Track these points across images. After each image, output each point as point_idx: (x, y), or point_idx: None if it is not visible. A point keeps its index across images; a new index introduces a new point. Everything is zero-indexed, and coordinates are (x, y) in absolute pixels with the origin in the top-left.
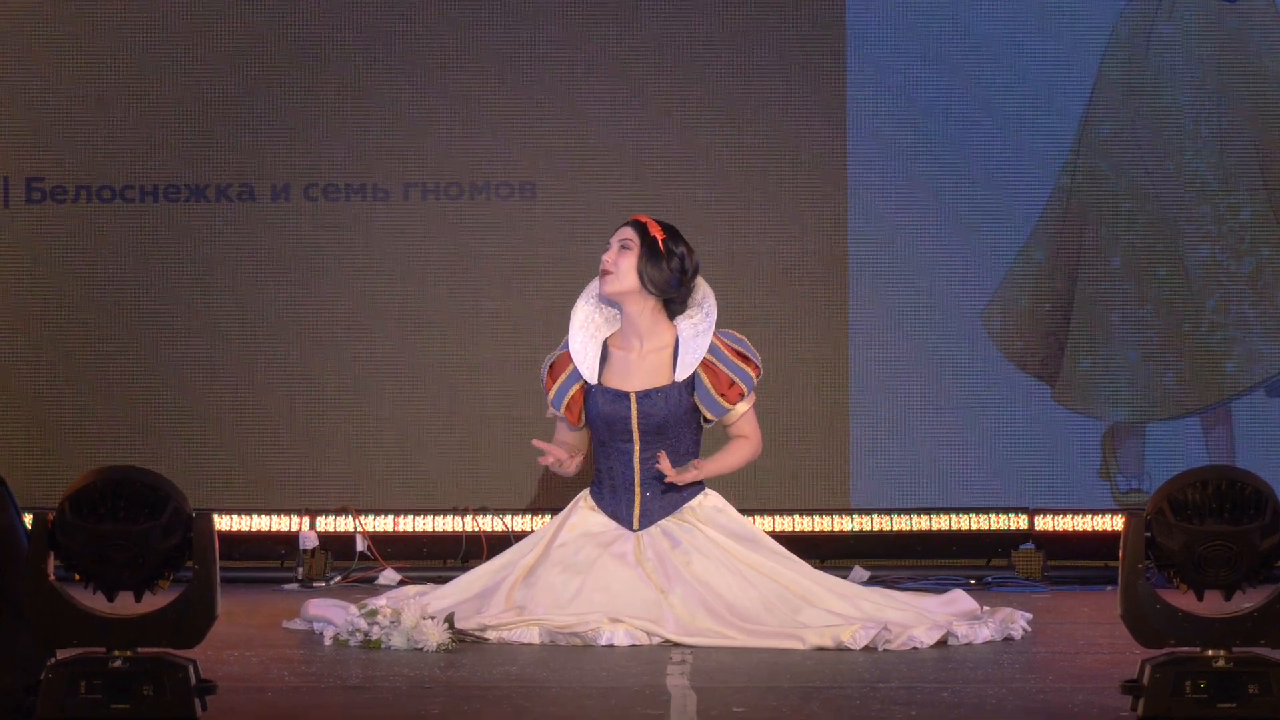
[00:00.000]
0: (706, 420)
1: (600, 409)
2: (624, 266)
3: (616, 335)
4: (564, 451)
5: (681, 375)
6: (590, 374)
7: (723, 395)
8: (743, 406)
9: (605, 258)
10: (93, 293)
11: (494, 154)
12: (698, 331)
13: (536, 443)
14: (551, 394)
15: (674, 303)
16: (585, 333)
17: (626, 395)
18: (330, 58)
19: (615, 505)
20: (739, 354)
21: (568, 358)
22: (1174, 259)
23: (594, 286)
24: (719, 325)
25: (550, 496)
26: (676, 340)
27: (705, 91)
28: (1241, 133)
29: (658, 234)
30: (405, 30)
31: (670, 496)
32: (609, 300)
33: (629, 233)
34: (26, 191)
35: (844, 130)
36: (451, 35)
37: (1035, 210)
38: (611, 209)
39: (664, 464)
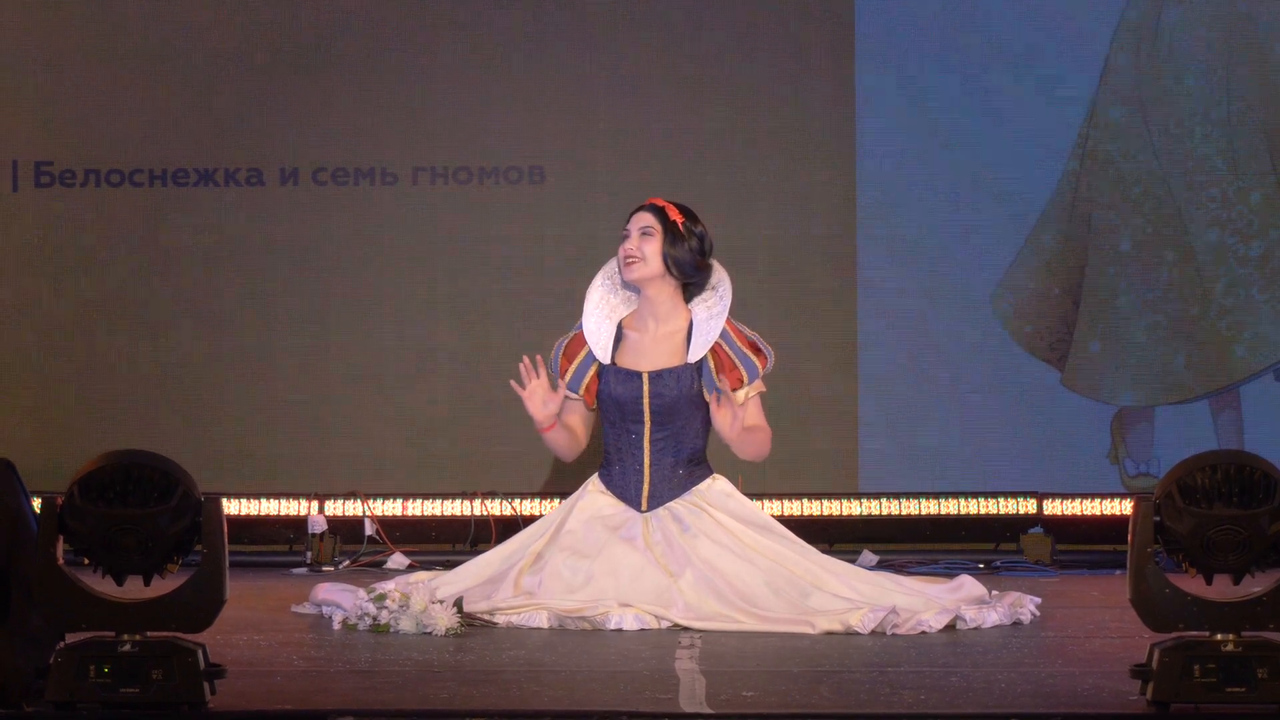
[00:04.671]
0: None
1: (612, 389)
2: (648, 253)
3: (632, 317)
4: (548, 384)
5: (694, 357)
6: (604, 354)
7: (722, 381)
8: (742, 394)
9: (627, 245)
10: (101, 277)
11: (502, 138)
12: (712, 314)
13: (526, 360)
14: (568, 376)
15: (693, 285)
16: (600, 313)
17: (639, 375)
18: (338, 41)
19: (624, 486)
20: (750, 343)
21: (582, 339)
22: (1183, 243)
23: (609, 268)
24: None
25: (559, 481)
26: (691, 323)
27: (713, 73)
28: (1250, 116)
29: (677, 217)
30: (414, 14)
31: (679, 479)
32: (628, 284)
33: (649, 219)
34: (35, 175)
35: (853, 113)
36: (459, 18)
37: (1044, 194)
38: (620, 192)
39: (729, 396)
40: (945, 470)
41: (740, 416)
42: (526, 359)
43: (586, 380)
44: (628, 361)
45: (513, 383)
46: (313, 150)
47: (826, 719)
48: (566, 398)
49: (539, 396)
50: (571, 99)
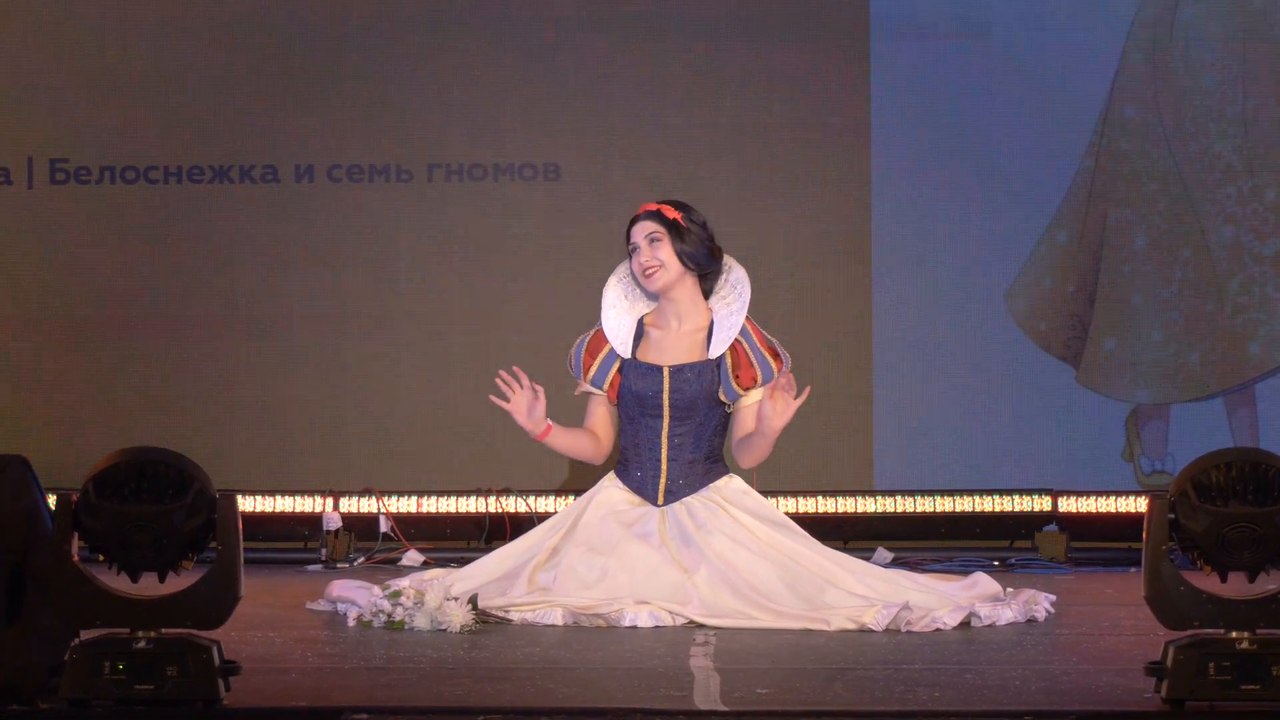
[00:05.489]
0: (724, 403)
1: (632, 384)
2: (664, 257)
3: (654, 315)
4: (530, 392)
5: (716, 353)
6: (624, 349)
7: (737, 379)
8: (756, 395)
9: (641, 258)
10: (116, 274)
11: (518, 135)
12: (731, 311)
13: (503, 376)
14: (592, 373)
15: (709, 277)
16: (618, 310)
17: (659, 369)
18: (353, 39)
19: (641, 481)
20: (769, 347)
21: (603, 336)
22: (1198, 240)
23: (624, 268)
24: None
25: (574, 478)
26: (712, 322)
27: (728, 72)
28: (1266, 114)
29: (675, 215)
30: (428, 11)
31: (696, 475)
32: (641, 284)
33: (651, 225)
34: (50, 172)
35: (868, 111)
36: (475, 16)
37: (1059, 191)
38: (635, 189)
39: (789, 381)
40: (960, 467)
41: (793, 409)
42: (503, 373)
43: (610, 376)
44: (649, 357)
45: (493, 398)
46: (328, 147)
47: (841, 716)
48: (590, 394)
49: (523, 408)
50: (587, 96)
